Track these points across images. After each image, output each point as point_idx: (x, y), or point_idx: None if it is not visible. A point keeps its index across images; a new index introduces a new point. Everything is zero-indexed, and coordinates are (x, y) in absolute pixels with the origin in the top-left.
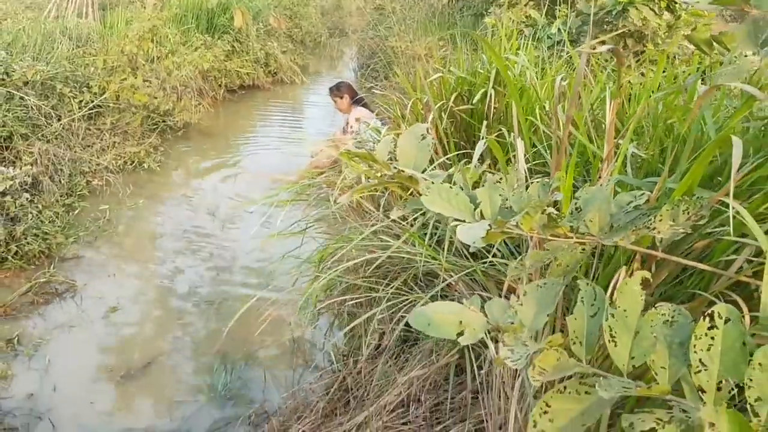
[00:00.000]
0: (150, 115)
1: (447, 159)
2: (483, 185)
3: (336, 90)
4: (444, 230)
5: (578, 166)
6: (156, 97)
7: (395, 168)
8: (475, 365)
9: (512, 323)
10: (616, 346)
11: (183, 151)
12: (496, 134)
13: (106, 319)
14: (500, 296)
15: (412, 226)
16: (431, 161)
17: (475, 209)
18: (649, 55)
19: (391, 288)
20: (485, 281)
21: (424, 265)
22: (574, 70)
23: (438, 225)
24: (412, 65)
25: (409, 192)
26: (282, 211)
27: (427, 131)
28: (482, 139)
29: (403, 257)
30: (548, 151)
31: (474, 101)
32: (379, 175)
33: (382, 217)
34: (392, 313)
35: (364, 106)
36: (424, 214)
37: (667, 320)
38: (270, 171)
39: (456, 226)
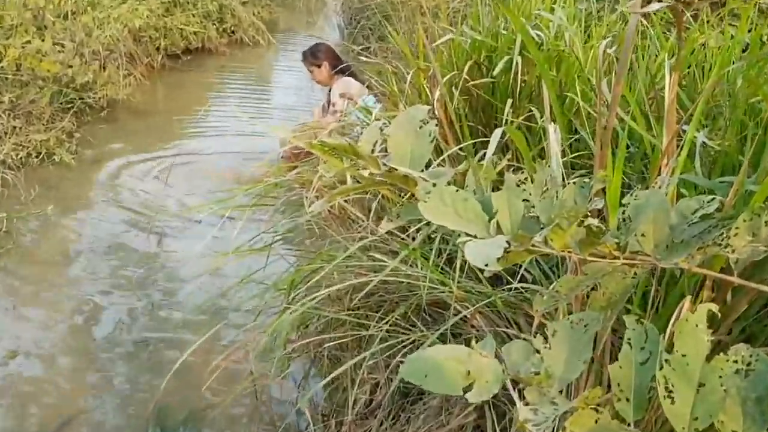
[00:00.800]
0: (63, 90)
1: (460, 150)
2: (504, 186)
3: (312, 56)
4: (457, 245)
5: (632, 161)
6: (71, 66)
7: (386, 165)
8: (498, 428)
9: (536, 373)
10: (673, 402)
11: (107, 137)
12: (523, 117)
13: (1, 367)
14: (532, 334)
15: (413, 239)
16: (438, 153)
17: (489, 220)
18: (728, 9)
19: (386, 323)
20: (511, 314)
21: (429, 293)
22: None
23: (448, 238)
24: (414, 22)
25: (407, 195)
26: (240, 219)
27: (430, 115)
28: (504, 123)
29: (402, 282)
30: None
31: (495, 72)
32: (366, 173)
33: (373, 227)
34: (388, 357)
35: (351, 75)
36: (429, 223)
37: (741, 368)
38: (225, 165)
39: (465, 242)
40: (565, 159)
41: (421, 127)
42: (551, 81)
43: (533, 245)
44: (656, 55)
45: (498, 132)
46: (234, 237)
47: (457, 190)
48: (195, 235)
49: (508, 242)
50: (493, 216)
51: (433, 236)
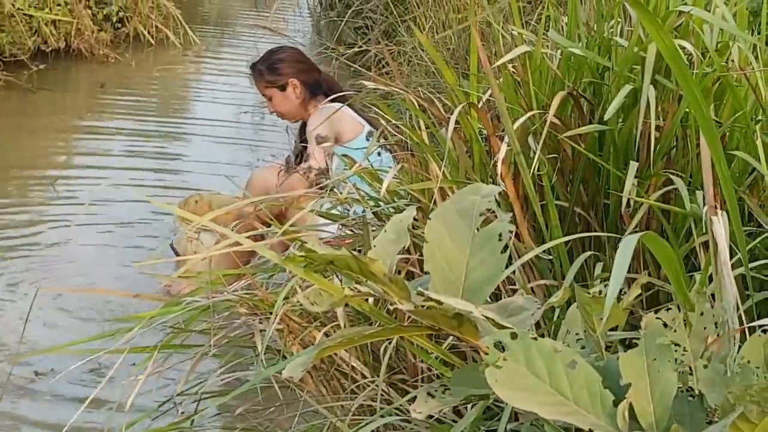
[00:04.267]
0: None
1: (545, 256)
2: (641, 342)
3: (269, 71)
4: None
5: None
6: None
7: (421, 293)
8: None
9: None
10: None
11: None
12: (660, 193)
13: None
14: None
15: (457, 412)
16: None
17: (616, 403)
18: None
19: None
20: None
21: None
22: None
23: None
24: (454, 12)
25: (450, 351)
26: (130, 374)
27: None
28: (624, 205)
29: None
30: None
31: (608, 114)
32: (379, 306)
33: (385, 390)
34: None
35: (342, 104)
36: (487, 398)
37: None
38: (103, 271)
39: None
40: (736, 271)
41: (489, 236)
42: (714, 130)
43: None
44: None
45: (628, 242)
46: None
47: (556, 348)
48: (39, 402)
49: None
50: (623, 396)
51: (494, 408)
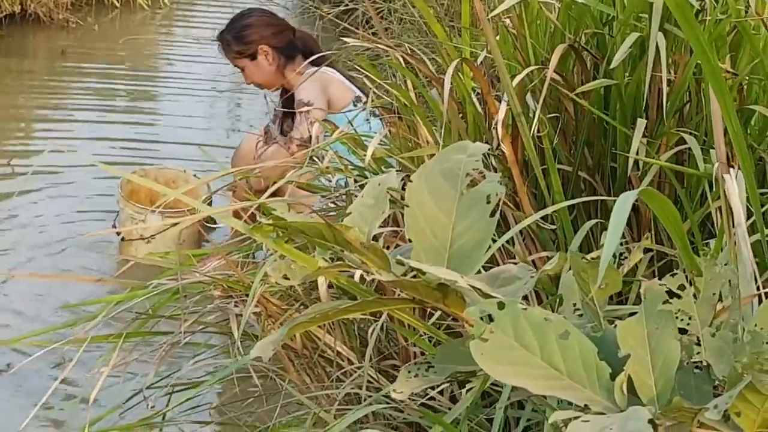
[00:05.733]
0: None
1: (544, 222)
2: (641, 308)
3: (235, 40)
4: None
5: None
6: None
7: (402, 263)
8: None
9: None
10: None
11: None
12: (670, 153)
13: None
14: None
15: (452, 398)
16: (498, 226)
17: (614, 376)
18: None
19: None
20: None
21: None
22: None
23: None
24: None
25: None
26: (93, 364)
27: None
28: (631, 167)
29: None
30: None
31: (612, 65)
32: (360, 278)
33: (372, 376)
34: None
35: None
36: (474, 374)
37: None
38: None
39: (562, 422)
40: (752, 238)
41: (476, 196)
42: (723, 82)
43: (701, 424)
44: None
45: (625, 199)
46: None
47: (546, 318)
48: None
49: (653, 419)
50: (621, 368)
51: (493, 393)
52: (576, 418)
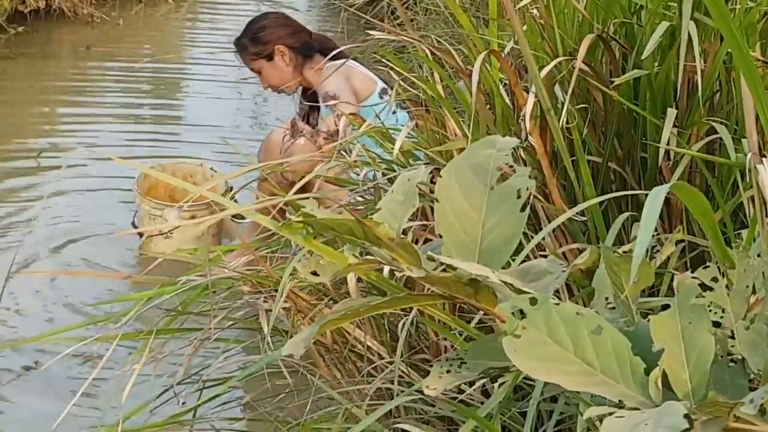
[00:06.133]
0: None
1: (577, 217)
2: (674, 303)
3: (252, 42)
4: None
5: None
6: None
7: (432, 258)
8: None
9: None
10: None
11: None
12: (702, 143)
13: None
14: None
15: (485, 393)
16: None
17: (648, 371)
18: None
19: None
20: None
21: None
22: None
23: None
24: None
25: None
26: (122, 362)
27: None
28: (662, 157)
29: None
30: None
31: (643, 56)
32: (390, 273)
33: (404, 371)
34: None
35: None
36: (507, 370)
37: None
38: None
39: (597, 418)
40: None
41: (507, 192)
42: (754, 70)
43: (737, 418)
44: None
45: (657, 194)
46: (115, 395)
47: (579, 313)
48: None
49: (688, 414)
50: (656, 362)
51: (525, 386)
52: (611, 413)
